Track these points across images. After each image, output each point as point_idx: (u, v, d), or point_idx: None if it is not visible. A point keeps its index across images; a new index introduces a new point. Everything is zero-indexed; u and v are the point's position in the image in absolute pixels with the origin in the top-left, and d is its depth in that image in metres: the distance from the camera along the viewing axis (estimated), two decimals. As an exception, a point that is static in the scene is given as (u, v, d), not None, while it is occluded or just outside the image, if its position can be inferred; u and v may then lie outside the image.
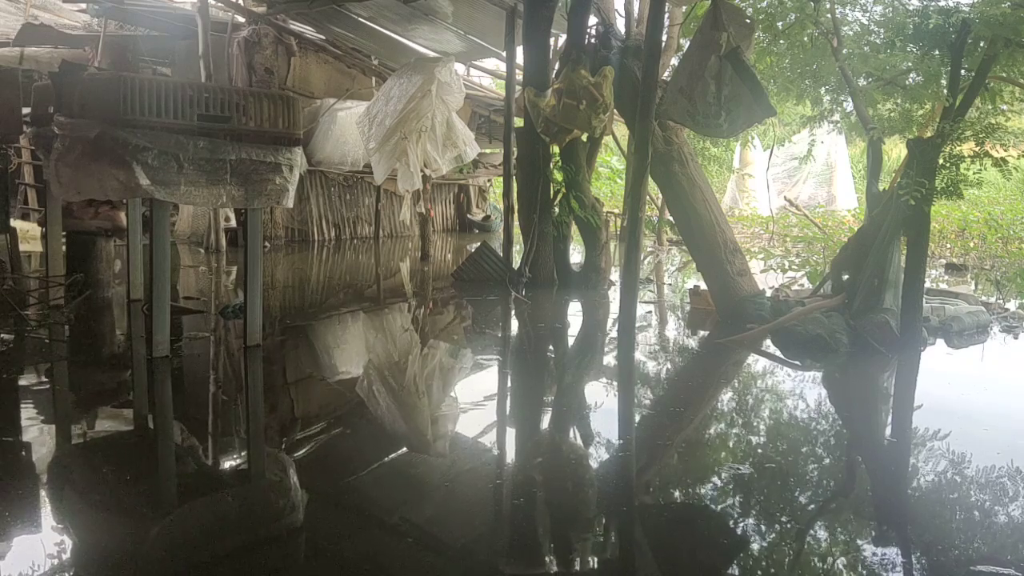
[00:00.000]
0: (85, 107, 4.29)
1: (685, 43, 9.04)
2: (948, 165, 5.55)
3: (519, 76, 8.73)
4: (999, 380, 5.36)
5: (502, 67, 10.58)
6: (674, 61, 9.71)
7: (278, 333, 5.86)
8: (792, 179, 17.62)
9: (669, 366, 5.65)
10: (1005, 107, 7.08)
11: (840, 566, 2.64)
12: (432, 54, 10.82)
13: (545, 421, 4.29)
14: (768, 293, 7.17)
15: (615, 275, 8.53)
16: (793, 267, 9.36)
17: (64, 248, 6.39)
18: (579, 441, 3.98)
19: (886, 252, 5.75)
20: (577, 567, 2.66)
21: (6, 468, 3.17)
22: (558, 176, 8.12)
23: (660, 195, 11.28)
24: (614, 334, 6.31)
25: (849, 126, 8.65)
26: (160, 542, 2.63)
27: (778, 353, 5.70)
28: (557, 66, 8.30)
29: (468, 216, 15.40)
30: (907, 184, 5.52)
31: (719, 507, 3.12)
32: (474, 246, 9.52)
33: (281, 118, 4.79)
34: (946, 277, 10.08)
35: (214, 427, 3.95)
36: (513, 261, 8.54)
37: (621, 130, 11.96)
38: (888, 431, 4.37)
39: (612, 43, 7.59)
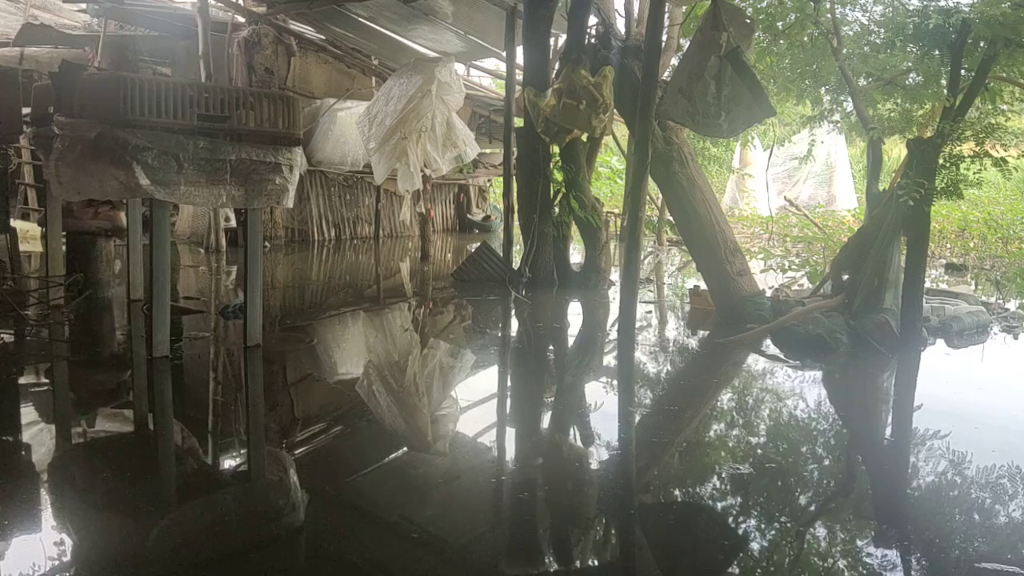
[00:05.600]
0: (85, 107, 4.29)
1: (685, 43, 9.04)
2: (948, 165, 5.55)
3: (519, 76, 8.73)
4: (998, 380, 5.36)
5: (502, 67, 10.59)
6: (674, 61, 9.70)
7: (278, 333, 5.86)
8: (792, 179, 17.61)
9: (669, 366, 5.65)
10: (1005, 107, 7.07)
11: (841, 566, 2.64)
12: (432, 54, 10.82)
13: (545, 421, 4.29)
14: (768, 293, 7.17)
15: (615, 275, 8.53)
16: (793, 267, 9.36)
17: (64, 248, 6.39)
18: (579, 441, 3.98)
19: (886, 252, 5.75)
20: (577, 567, 2.66)
21: (6, 468, 3.17)
22: (558, 176, 8.12)
23: (660, 195, 11.28)
24: (614, 334, 6.31)
25: (849, 126, 8.65)
26: (160, 542, 2.63)
27: (778, 353, 5.70)
28: (557, 66, 8.30)
29: (468, 216, 15.39)
30: (907, 184, 5.52)
31: (719, 507, 3.12)
32: (474, 246, 9.52)
33: (281, 118, 4.79)
34: (946, 277, 10.08)
35: (214, 427, 3.95)
36: (513, 261, 8.54)
37: (621, 130, 11.95)
38: (888, 431, 4.37)
39: (612, 43, 7.60)
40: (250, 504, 3.02)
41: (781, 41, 7.04)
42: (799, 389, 4.97)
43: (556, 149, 8.02)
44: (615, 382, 5.07)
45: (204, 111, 4.49)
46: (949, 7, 5.75)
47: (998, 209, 13.96)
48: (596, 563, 2.69)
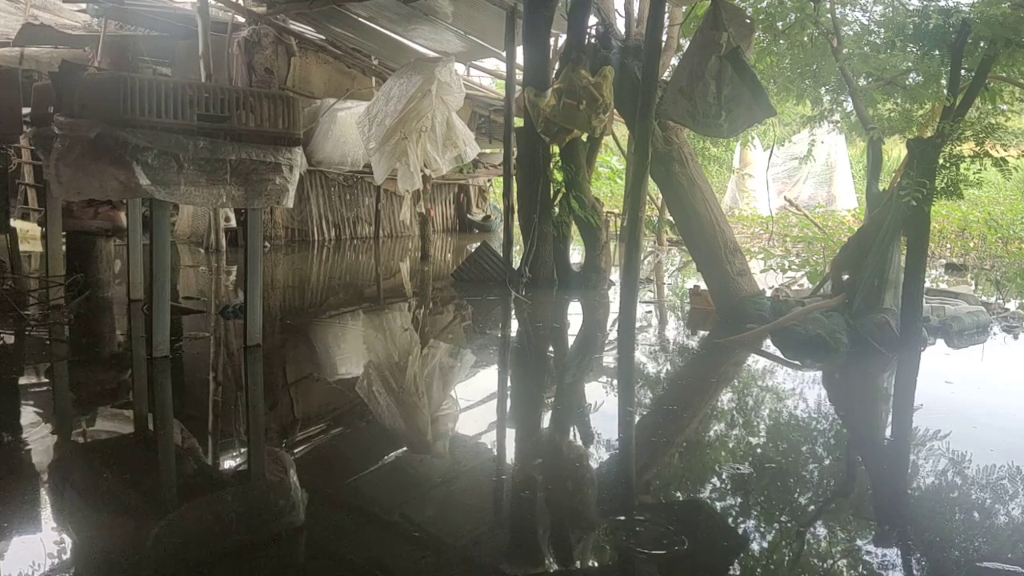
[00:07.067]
0: (85, 107, 4.29)
1: (685, 43, 9.04)
2: (948, 165, 5.55)
3: (519, 76, 8.73)
4: (998, 380, 5.36)
5: (502, 67, 10.59)
6: (674, 61, 9.70)
7: (278, 333, 5.86)
8: (792, 179, 17.61)
9: (669, 366, 5.65)
10: (1005, 107, 7.08)
11: (841, 566, 2.64)
12: (432, 54, 10.82)
13: (545, 421, 4.29)
14: (768, 293, 7.17)
15: (615, 275, 8.53)
16: (793, 267, 9.36)
17: (64, 248, 6.39)
18: (579, 441, 3.98)
19: (886, 252, 5.75)
20: (577, 566, 2.66)
21: (6, 468, 3.17)
22: (558, 176, 8.12)
23: (660, 195, 11.28)
24: (614, 334, 6.31)
25: (849, 126, 8.65)
26: (160, 542, 2.63)
27: (778, 353, 5.70)
28: (557, 66, 8.30)
29: (468, 216, 15.39)
30: (907, 184, 5.52)
31: (719, 507, 3.12)
32: (474, 246, 9.52)
33: (281, 118, 4.79)
34: (946, 277, 10.08)
35: (214, 427, 3.95)
36: (513, 261, 8.54)
37: (621, 130, 11.96)
38: (888, 431, 4.38)
39: (612, 43, 7.60)
40: (250, 504, 3.02)
41: (781, 41, 7.05)
42: (799, 389, 4.97)
43: (556, 149, 8.02)
44: (615, 382, 5.07)
45: (204, 111, 4.48)
46: (949, 7, 5.75)
47: (998, 209, 13.96)
48: (596, 563, 2.69)
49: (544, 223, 8.07)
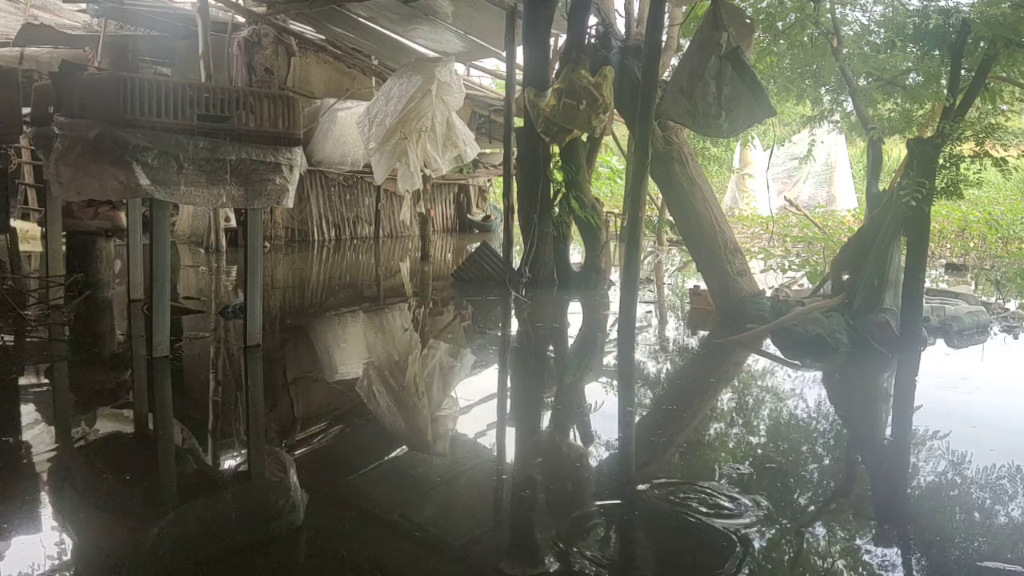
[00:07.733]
0: (85, 107, 4.29)
1: (685, 43, 9.04)
2: (948, 165, 5.55)
3: (519, 76, 8.73)
4: (998, 380, 5.36)
5: (502, 67, 10.59)
6: (674, 61, 9.71)
7: (278, 333, 5.86)
8: (792, 179, 17.61)
9: (669, 366, 5.65)
10: (1005, 107, 7.08)
11: (841, 566, 2.64)
12: (432, 54, 10.82)
13: (545, 421, 4.29)
14: (768, 293, 7.17)
15: (615, 275, 8.53)
16: (793, 267, 9.36)
17: (64, 248, 6.39)
18: (579, 441, 3.98)
19: (886, 252, 5.75)
20: (577, 567, 2.66)
21: (6, 468, 3.17)
22: (558, 176, 8.12)
23: (660, 195, 11.28)
24: (614, 334, 6.31)
25: (849, 126, 8.65)
26: (160, 542, 2.63)
27: (778, 353, 5.70)
28: (557, 66, 8.31)
29: (468, 216, 15.40)
30: (907, 184, 5.52)
31: (719, 507, 3.12)
32: (474, 246, 9.52)
33: (281, 118, 4.79)
34: (946, 277, 10.08)
35: (214, 427, 3.95)
36: (513, 261, 8.54)
37: (621, 130, 11.96)
38: (888, 431, 4.38)
39: (612, 43, 7.60)
40: (250, 504, 3.02)
41: (781, 41, 7.05)
42: (799, 389, 4.97)
43: (556, 149, 8.02)
44: (615, 382, 5.07)
45: (204, 111, 4.48)
46: (949, 7, 5.75)
47: (998, 209, 13.96)
48: (596, 563, 2.69)
49: (544, 223, 8.08)
